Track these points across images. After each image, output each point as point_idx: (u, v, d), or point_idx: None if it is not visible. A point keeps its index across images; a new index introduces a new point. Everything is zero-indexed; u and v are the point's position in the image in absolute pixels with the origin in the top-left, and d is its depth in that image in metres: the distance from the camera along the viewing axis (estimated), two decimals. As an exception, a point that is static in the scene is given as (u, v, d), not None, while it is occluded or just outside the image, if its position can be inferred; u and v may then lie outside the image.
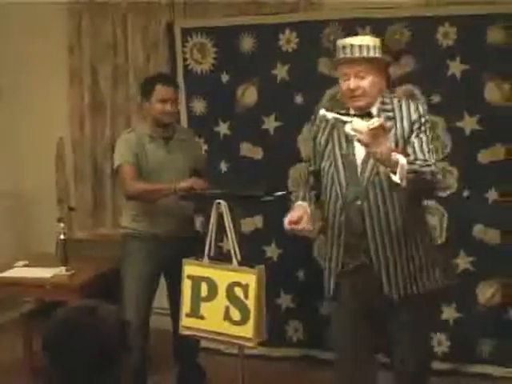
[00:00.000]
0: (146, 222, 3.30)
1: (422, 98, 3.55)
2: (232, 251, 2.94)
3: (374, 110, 2.62)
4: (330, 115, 2.53)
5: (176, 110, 3.43)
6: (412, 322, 2.65)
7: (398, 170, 2.36)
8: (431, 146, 2.60)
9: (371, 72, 2.59)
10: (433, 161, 2.55)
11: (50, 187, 3.64)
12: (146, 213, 3.28)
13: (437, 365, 3.79)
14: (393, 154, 2.37)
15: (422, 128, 2.60)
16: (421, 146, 2.55)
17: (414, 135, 2.58)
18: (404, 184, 2.38)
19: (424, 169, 2.46)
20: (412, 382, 2.77)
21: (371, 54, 2.58)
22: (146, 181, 3.24)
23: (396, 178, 2.38)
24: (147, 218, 3.29)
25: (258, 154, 4.03)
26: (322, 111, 2.56)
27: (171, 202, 3.23)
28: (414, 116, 2.60)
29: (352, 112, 2.60)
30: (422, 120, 2.60)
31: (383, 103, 2.64)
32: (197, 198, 3.52)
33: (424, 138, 2.58)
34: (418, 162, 2.48)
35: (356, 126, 2.34)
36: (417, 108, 2.62)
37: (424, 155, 2.53)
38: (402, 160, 2.37)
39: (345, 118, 2.48)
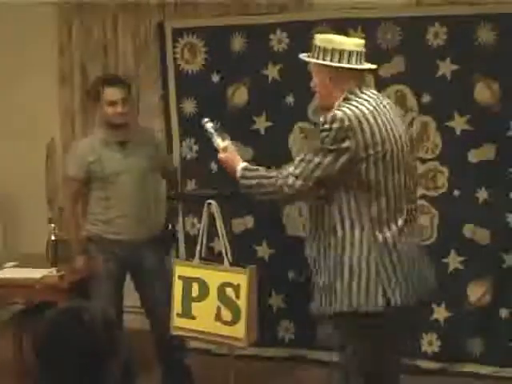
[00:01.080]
0: (105, 226, 3.29)
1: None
2: (223, 251, 2.93)
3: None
4: (207, 126, 2.81)
5: (127, 110, 3.29)
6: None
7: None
8: (306, 158, 2.43)
9: (317, 74, 2.53)
10: (285, 175, 2.46)
11: (40, 188, 3.59)
12: (103, 215, 3.29)
13: (427, 364, 3.85)
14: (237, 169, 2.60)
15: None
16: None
17: None
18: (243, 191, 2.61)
19: (255, 189, 2.56)
20: None
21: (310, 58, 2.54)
22: (97, 192, 3.28)
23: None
24: (105, 220, 3.29)
25: (248, 154, 3.99)
26: (204, 120, 2.83)
27: (130, 205, 3.25)
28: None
29: None
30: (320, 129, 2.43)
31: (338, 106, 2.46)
32: (186, 198, 3.53)
33: (309, 153, 2.44)
34: (258, 181, 2.54)
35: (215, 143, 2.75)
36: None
37: (291, 167, 2.48)
38: (238, 174, 2.59)
39: (211, 133, 2.79)
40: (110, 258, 3.26)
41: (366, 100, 2.44)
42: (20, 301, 3.92)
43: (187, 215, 4.12)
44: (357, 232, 2.40)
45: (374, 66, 2.59)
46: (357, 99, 2.44)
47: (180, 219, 4.14)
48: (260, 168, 2.60)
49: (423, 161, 3.76)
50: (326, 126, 2.36)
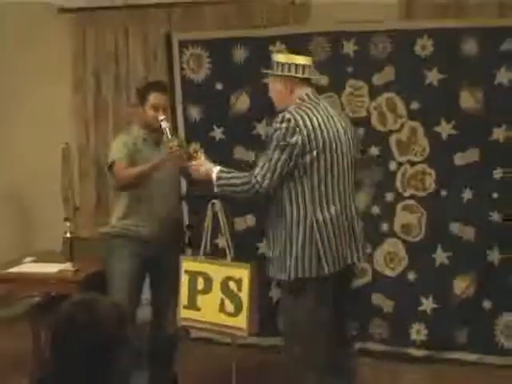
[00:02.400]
0: (133, 222, 3.21)
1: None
2: (226, 248, 2.95)
3: None
4: (163, 124, 3.03)
5: (166, 116, 3.30)
6: None
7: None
8: (268, 157, 2.65)
9: (273, 84, 2.82)
10: (256, 177, 2.65)
11: (56, 189, 3.63)
12: (133, 213, 3.20)
13: (415, 352, 3.85)
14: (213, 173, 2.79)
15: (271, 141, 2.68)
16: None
17: None
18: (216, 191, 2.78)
19: (226, 188, 2.76)
20: None
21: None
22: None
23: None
24: (134, 218, 3.20)
25: (250, 157, 4.03)
26: (160, 118, 3.04)
27: (159, 205, 3.19)
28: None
29: None
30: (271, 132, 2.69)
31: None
32: (194, 197, 3.53)
33: (268, 152, 2.67)
34: (233, 181, 2.74)
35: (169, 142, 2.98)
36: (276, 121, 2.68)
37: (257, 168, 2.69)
38: (214, 177, 2.78)
39: (165, 132, 3.02)
40: (133, 254, 3.18)
41: (310, 103, 2.73)
42: (37, 293, 3.91)
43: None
44: (302, 213, 2.66)
45: (317, 77, 2.94)
46: (305, 104, 2.72)
47: (185, 218, 4.17)
48: (233, 171, 2.80)
49: (412, 163, 3.80)
50: (277, 125, 2.63)
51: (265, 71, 2.86)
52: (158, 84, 3.35)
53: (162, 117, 3.07)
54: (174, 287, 3.21)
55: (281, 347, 2.92)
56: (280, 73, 2.74)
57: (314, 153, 2.63)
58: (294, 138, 2.61)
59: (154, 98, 3.18)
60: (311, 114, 2.67)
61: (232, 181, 2.75)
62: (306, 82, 2.77)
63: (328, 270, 2.67)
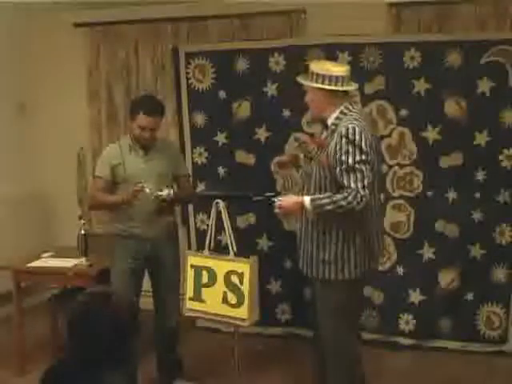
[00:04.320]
0: (128, 224, 3.19)
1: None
2: (229, 244, 2.95)
3: (329, 122, 2.70)
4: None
5: (153, 137, 3.16)
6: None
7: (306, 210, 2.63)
8: (357, 169, 2.54)
9: (312, 93, 2.70)
10: (357, 189, 2.52)
11: (72, 189, 3.63)
12: (128, 217, 3.18)
13: (404, 341, 3.87)
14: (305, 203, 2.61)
15: (343, 151, 2.57)
16: (341, 174, 2.57)
17: (336, 160, 2.58)
18: (311, 217, 2.64)
19: (327, 207, 2.55)
20: None
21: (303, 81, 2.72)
22: (115, 190, 3.18)
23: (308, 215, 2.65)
24: (129, 221, 3.18)
25: (251, 160, 4.04)
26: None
27: (150, 209, 3.16)
28: (338, 138, 2.60)
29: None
30: (343, 141, 2.57)
31: (336, 118, 2.68)
32: (199, 198, 3.51)
33: (343, 166, 2.55)
34: (324, 201, 2.56)
35: None
36: (344, 130, 2.59)
37: (344, 184, 2.56)
38: (307, 203, 2.60)
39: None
40: (132, 252, 3.18)
41: (356, 113, 2.67)
42: (55, 286, 3.96)
43: (198, 213, 4.17)
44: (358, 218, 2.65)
45: (357, 86, 2.79)
46: (351, 113, 2.66)
47: (192, 216, 4.18)
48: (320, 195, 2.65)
49: (401, 166, 3.82)
50: (351, 137, 2.54)
51: (304, 82, 2.71)
52: (148, 105, 3.12)
53: (139, 185, 3.00)
54: (172, 282, 3.24)
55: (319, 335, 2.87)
56: (321, 85, 2.63)
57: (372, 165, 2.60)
58: (369, 149, 2.56)
59: (140, 119, 3.06)
60: (363, 125, 2.62)
61: (327, 200, 2.57)
62: (345, 92, 2.69)
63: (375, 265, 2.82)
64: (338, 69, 2.67)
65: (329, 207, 2.55)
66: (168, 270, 3.25)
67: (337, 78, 2.62)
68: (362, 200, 2.52)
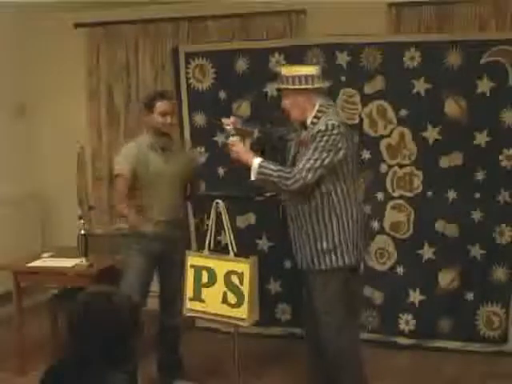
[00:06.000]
0: (144, 221, 3.18)
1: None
2: (229, 244, 2.95)
3: (308, 121, 2.78)
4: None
5: (175, 121, 3.35)
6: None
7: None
8: (313, 158, 2.66)
9: (289, 97, 2.77)
10: (297, 173, 2.66)
11: (72, 190, 3.63)
12: (144, 215, 3.18)
13: (404, 340, 3.87)
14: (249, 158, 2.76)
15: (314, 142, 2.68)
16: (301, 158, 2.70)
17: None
18: (253, 179, 2.75)
19: (271, 178, 2.70)
20: None
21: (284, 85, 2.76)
22: (141, 190, 3.19)
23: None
24: (144, 219, 3.19)
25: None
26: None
27: (166, 206, 3.19)
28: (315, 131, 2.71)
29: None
30: (318, 135, 2.68)
31: (314, 117, 2.76)
32: (198, 198, 3.51)
33: (314, 152, 2.67)
34: (277, 173, 2.69)
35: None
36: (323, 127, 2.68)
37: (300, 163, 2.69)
38: (255, 164, 2.73)
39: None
40: (144, 250, 3.17)
41: (331, 110, 2.78)
42: (55, 285, 3.96)
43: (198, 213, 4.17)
44: (349, 209, 2.80)
45: (328, 84, 3.04)
46: (329, 111, 2.76)
47: (191, 217, 4.17)
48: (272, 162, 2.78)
49: (401, 166, 3.81)
50: (329, 132, 2.65)
51: (282, 87, 2.77)
52: (163, 93, 3.34)
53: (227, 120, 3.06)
54: (180, 282, 3.22)
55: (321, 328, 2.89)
56: (303, 86, 2.70)
57: (349, 157, 2.73)
58: (345, 145, 2.67)
59: (160, 106, 3.18)
60: (340, 120, 2.75)
61: (272, 167, 2.72)
62: (318, 90, 2.78)
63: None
64: (307, 68, 2.78)
65: (273, 179, 2.69)
66: (179, 269, 3.22)
67: (308, 76, 2.70)
68: (296, 179, 2.65)
